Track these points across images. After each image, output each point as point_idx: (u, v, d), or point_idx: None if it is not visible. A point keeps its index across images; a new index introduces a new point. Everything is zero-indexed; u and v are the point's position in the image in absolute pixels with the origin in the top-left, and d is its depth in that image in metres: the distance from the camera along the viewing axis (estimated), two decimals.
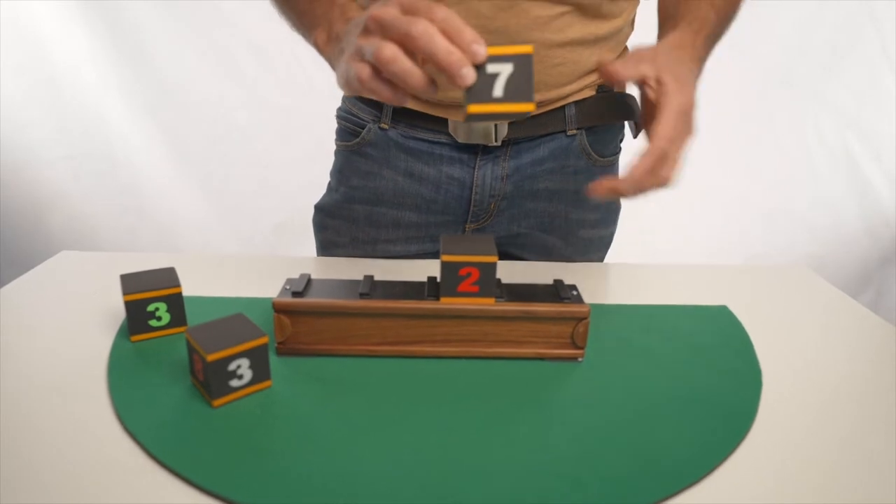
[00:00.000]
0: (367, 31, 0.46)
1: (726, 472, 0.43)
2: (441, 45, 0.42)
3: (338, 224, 0.84)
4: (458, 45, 0.43)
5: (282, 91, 1.77)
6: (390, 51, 0.43)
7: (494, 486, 0.41)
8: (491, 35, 0.65)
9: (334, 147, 0.85)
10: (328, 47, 0.57)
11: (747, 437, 0.46)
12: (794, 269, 0.81)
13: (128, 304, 0.55)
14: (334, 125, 0.84)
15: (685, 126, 0.54)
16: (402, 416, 0.47)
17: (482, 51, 0.43)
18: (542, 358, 0.56)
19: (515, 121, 0.72)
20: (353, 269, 0.75)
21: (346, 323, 0.54)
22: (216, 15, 1.73)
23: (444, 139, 0.75)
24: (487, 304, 0.54)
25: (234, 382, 0.48)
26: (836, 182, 1.93)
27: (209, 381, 0.46)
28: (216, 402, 0.47)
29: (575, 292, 0.57)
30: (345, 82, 0.49)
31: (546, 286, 0.58)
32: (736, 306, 0.68)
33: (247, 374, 0.48)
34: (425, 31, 0.42)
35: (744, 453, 0.45)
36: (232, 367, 0.47)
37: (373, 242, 0.82)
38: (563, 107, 0.74)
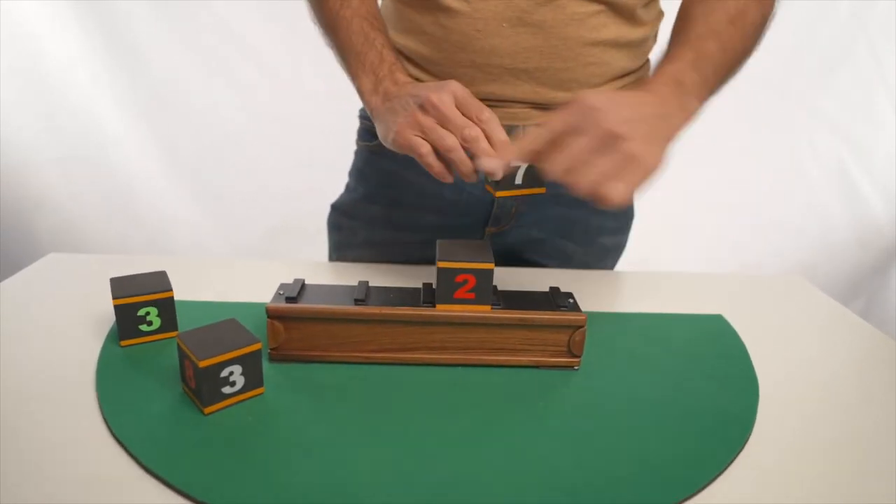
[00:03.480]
0: (424, 111, 0.55)
1: (726, 481, 0.43)
2: (483, 151, 0.54)
3: (354, 225, 0.84)
4: (494, 146, 0.54)
5: (276, 96, 1.76)
6: (451, 141, 0.54)
7: (489, 495, 0.40)
8: (529, 28, 0.66)
9: (354, 147, 0.84)
10: (373, 99, 0.63)
11: (746, 446, 0.46)
12: (789, 279, 0.81)
13: (117, 308, 0.55)
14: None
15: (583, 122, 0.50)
16: (397, 424, 0.47)
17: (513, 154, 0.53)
18: (538, 366, 0.55)
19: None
20: (347, 274, 0.75)
21: (341, 329, 0.53)
22: (212, 18, 1.72)
23: None
24: (483, 311, 0.53)
25: (227, 389, 0.47)
26: (829, 192, 1.95)
27: (201, 387, 0.46)
28: (208, 410, 0.46)
29: (571, 300, 0.56)
30: (391, 140, 0.58)
31: (543, 294, 0.57)
32: (731, 315, 0.67)
33: (239, 380, 0.47)
34: (476, 138, 0.54)
35: (743, 462, 0.45)
36: (224, 373, 0.46)
37: (389, 244, 0.82)
38: None
